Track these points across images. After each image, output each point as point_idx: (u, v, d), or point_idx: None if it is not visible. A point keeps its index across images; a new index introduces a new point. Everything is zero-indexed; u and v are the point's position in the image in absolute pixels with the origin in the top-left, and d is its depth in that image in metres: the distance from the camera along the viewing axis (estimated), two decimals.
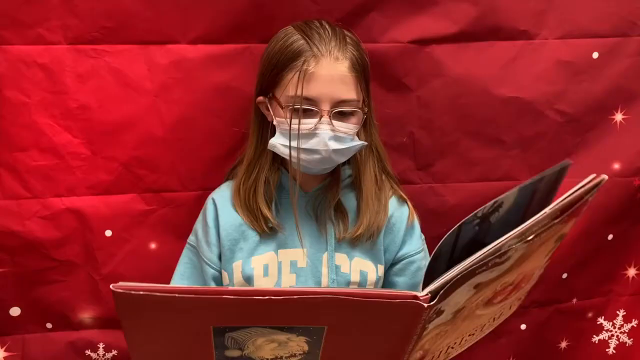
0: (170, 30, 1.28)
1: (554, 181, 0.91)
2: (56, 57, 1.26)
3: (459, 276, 0.78)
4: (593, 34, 1.37)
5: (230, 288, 0.80)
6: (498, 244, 0.79)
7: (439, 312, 0.82)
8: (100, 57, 1.27)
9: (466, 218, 0.83)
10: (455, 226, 0.83)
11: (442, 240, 0.82)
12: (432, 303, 0.78)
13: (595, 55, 1.38)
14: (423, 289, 0.79)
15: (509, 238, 0.79)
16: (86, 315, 1.36)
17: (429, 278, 0.80)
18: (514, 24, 1.35)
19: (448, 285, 0.78)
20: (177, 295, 0.75)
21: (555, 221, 0.83)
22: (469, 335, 0.97)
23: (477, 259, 0.78)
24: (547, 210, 0.81)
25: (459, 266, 0.79)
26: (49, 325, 1.36)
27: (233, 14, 1.28)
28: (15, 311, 1.35)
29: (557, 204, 0.82)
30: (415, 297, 0.78)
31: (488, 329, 1.01)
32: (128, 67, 1.28)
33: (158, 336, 0.83)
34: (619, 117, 1.41)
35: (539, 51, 1.36)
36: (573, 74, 1.38)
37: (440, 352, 0.94)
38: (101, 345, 1.38)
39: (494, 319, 1.00)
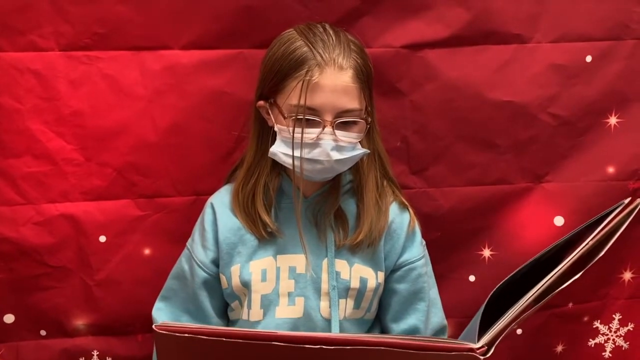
0: (162, 36, 1.28)
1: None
2: (49, 64, 1.26)
3: (511, 320, 0.77)
4: (586, 38, 1.36)
5: (280, 333, 0.77)
6: (545, 282, 0.79)
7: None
8: (92, 63, 1.27)
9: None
10: (515, 271, 0.84)
11: (499, 285, 0.82)
12: (487, 355, 0.76)
13: (588, 58, 1.37)
14: (479, 337, 0.77)
15: (555, 275, 0.80)
16: (80, 322, 1.36)
17: (484, 325, 0.78)
18: (507, 28, 1.35)
19: (503, 333, 0.77)
20: (224, 339, 0.74)
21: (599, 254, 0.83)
22: None
23: (528, 301, 0.78)
24: (588, 241, 0.82)
25: (510, 312, 0.77)
26: (43, 333, 1.36)
27: (225, 20, 1.28)
28: (9, 318, 1.35)
29: (597, 234, 0.83)
30: (472, 350, 0.76)
31: None
32: (121, 73, 1.28)
33: None
34: (613, 120, 1.41)
35: (533, 55, 1.36)
36: (567, 78, 1.37)
37: None
38: (95, 353, 1.37)
39: None
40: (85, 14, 1.25)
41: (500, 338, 0.76)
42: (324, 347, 0.73)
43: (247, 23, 1.28)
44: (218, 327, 0.72)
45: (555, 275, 0.78)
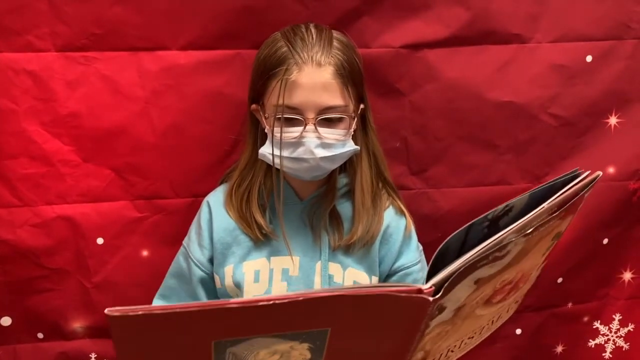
0: (160, 36, 1.27)
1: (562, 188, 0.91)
2: (45, 64, 1.25)
3: (461, 269, 0.79)
4: (587, 37, 1.36)
5: (233, 299, 0.78)
6: (499, 237, 0.80)
7: (441, 309, 0.82)
8: (90, 64, 1.26)
9: (476, 219, 0.86)
10: (465, 225, 0.84)
11: (449, 237, 0.83)
12: (436, 297, 0.78)
13: (589, 58, 1.37)
14: (427, 282, 0.79)
15: (510, 232, 0.81)
16: (78, 324, 1.35)
17: (432, 273, 0.80)
18: (507, 28, 1.34)
19: (451, 278, 0.78)
20: (178, 310, 0.73)
21: (553, 215, 0.84)
22: (469, 338, 0.97)
23: (479, 251, 0.79)
24: (545, 205, 0.84)
25: (461, 259, 0.79)
26: (40, 335, 1.36)
27: (223, 20, 1.27)
28: (6, 321, 1.34)
29: (555, 199, 0.85)
30: (420, 291, 0.77)
31: (487, 332, 1.01)
32: (118, 74, 1.28)
33: (156, 357, 0.80)
34: (613, 120, 1.41)
35: (533, 55, 1.35)
36: (567, 78, 1.37)
37: (441, 355, 0.93)
38: (93, 356, 1.38)
39: (492, 321, 1.00)
40: (82, 15, 1.24)
41: (448, 283, 0.78)
42: (277, 302, 0.74)
43: (245, 23, 1.27)
44: (171, 304, 0.73)
45: (509, 231, 0.81)
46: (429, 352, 0.89)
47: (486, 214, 0.87)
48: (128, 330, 0.75)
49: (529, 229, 0.82)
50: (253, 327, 0.78)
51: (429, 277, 0.80)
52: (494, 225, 0.88)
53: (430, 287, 0.78)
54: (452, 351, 0.95)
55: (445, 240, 0.82)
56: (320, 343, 0.82)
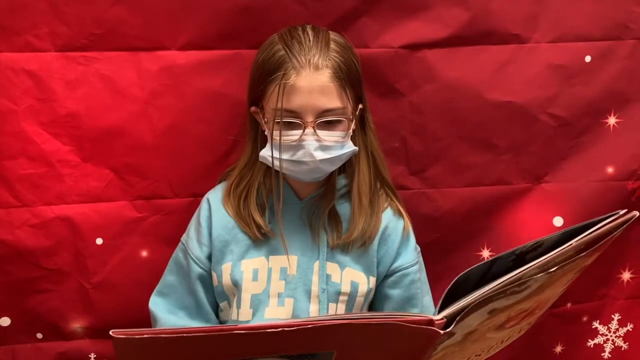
0: (159, 36, 1.27)
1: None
2: (45, 64, 1.25)
3: (476, 302, 0.77)
4: (586, 38, 1.36)
5: (240, 324, 0.79)
6: (519, 272, 0.78)
7: (451, 335, 0.80)
8: (89, 64, 1.26)
9: (503, 253, 0.84)
10: (491, 259, 0.83)
11: (471, 268, 0.81)
12: (447, 330, 0.76)
13: (588, 58, 1.37)
14: (439, 311, 0.78)
15: (532, 267, 0.78)
16: (77, 325, 1.35)
17: (447, 301, 0.78)
18: (506, 28, 1.34)
19: (465, 312, 0.77)
20: (184, 335, 0.72)
21: (581, 255, 0.81)
22: (476, 355, 0.95)
23: (497, 287, 0.77)
24: (573, 242, 0.80)
25: (478, 292, 0.77)
26: (39, 336, 1.35)
27: (223, 20, 1.27)
28: (5, 321, 1.34)
29: (584, 237, 0.81)
30: (431, 322, 0.76)
31: (495, 350, 0.99)
32: (118, 74, 1.27)
33: None
34: (612, 120, 1.41)
35: (532, 55, 1.35)
36: (566, 78, 1.37)
37: None
38: (92, 356, 1.37)
39: (502, 341, 0.98)
40: (82, 15, 1.23)
41: (461, 316, 0.76)
42: (285, 329, 0.73)
43: (245, 23, 1.27)
44: (178, 327, 0.71)
45: (531, 267, 0.78)
46: None
47: (514, 248, 0.84)
48: (132, 353, 0.75)
49: (552, 267, 0.79)
50: (259, 350, 0.78)
51: (442, 305, 0.78)
52: (521, 260, 0.85)
53: (442, 319, 0.76)
54: None
55: (466, 270, 0.80)
56: None
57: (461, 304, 0.77)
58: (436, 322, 0.76)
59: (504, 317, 0.86)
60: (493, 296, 0.77)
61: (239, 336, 0.73)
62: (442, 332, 0.76)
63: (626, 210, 0.84)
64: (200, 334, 0.73)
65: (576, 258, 0.81)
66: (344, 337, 0.78)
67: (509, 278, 0.77)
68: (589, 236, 0.81)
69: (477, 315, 0.80)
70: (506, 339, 0.98)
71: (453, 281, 0.80)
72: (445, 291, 0.79)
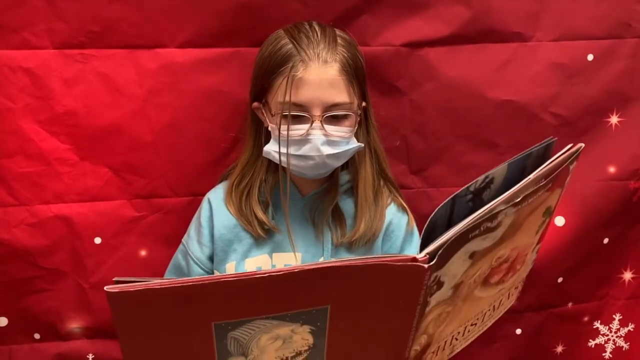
0: (158, 34, 1.26)
1: (541, 158, 0.95)
2: (42, 62, 1.24)
3: (454, 237, 0.80)
4: (587, 36, 1.36)
5: (230, 274, 0.80)
6: (489, 207, 0.82)
7: (439, 284, 0.83)
8: (87, 61, 1.26)
9: (458, 191, 0.87)
10: (448, 198, 0.86)
11: (435, 211, 0.84)
12: (431, 264, 0.78)
13: (590, 57, 1.36)
14: (420, 252, 0.80)
15: (499, 202, 0.83)
16: (75, 325, 1.34)
17: (424, 245, 0.81)
18: (507, 26, 1.33)
19: (445, 247, 0.79)
20: (176, 285, 0.73)
21: (540, 185, 0.87)
22: (471, 325, 0.97)
23: (470, 222, 0.81)
24: (531, 176, 0.86)
25: (453, 229, 0.81)
26: (36, 336, 1.35)
27: (222, 18, 1.26)
28: (2, 321, 1.33)
29: (541, 169, 0.88)
30: (415, 260, 0.78)
31: (489, 319, 1.01)
32: (116, 72, 1.27)
33: (157, 340, 0.80)
34: (614, 119, 1.40)
35: (533, 53, 1.35)
36: (567, 77, 1.36)
37: (445, 342, 0.94)
38: (90, 356, 1.36)
39: (493, 307, 1.00)
40: (80, 12, 1.23)
41: (442, 251, 0.79)
42: (272, 274, 0.75)
43: (244, 21, 1.26)
44: (169, 279, 0.74)
45: (499, 202, 0.83)
46: (432, 336, 0.89)
47: (467, 185, 0.88)
48: (128, 309, 0.75)
49: (517, 199, 0.84)
50: (251, 306, 0.78)
51: (422, 249, 0.81)
52: (478, 199, 0.90)
53: (425, 256, 0.79)
54: (456, 339, 0.96)
55: (432, 215, 0.83)
56: (321, 324, 0.82)
57: (439, 241, 0.80)
58: (419, 259, 0.79)
59: (486, 265, 0.89)
60: (468, 231, 0.81)
61: (229, 284, 0.74)
62: (426, 266, 0.79)
63: (572, 144, 0.93)
64: (192, 283, 0.74)
65: (537, 189, 0.87)
66: (334, 286, 0.79)
67: (480, 212, 0.81)
68: (545, 168, 0.88)
69: (459, 261, 0.83)
70: (497, 304, 1.00)
71: (424, 227, 0.83)
72: (421, 236, 0.82)
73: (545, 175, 0.88)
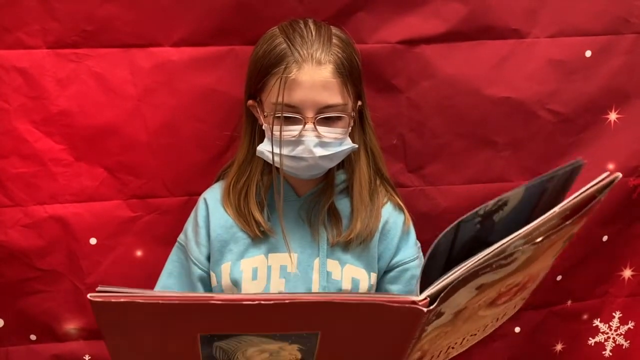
0: (152, 33, 1.25)
1: (564, 181, 0.86)
2: (36, 62, 1.24)
3: (460, 279, 0.75)
4: (585, 32, 1.35)
5: (218, 294, 0.78)
6: (503, 244, 0.75)
7: (439, 314, 0.79)
8: (81, 61, 1.25)
9: (465, 216, 0.80)
10: (453, 224, 0.79)
11: (438, 239, 0.78)
12: (431, 307, 0.75)
13: (588, 53, 1.35)
14: (421, 291, 0.76)
15: (515, 238, 0.76)
16: (71, 326, 1.34)
17: (425, 279, 0.77)
18: (505, 23, 1.33)
19: (448, 289, 0.75)
20: (160, 301, 0.72)
21: (567, 223, 0.79)
22: (471, 335, 0.95)
23: (480, 261, 0.74)
24: (556, 209, 0.77)
25: (459, 267, 0.75)
26: (33, 337, 1.34)
27: (217, 16, 1.25)
28: None
29: (567, 203, 0.78)
30: (414, 303, 0.75)
31: (491, 328, 0.99)
32: (110, 71, 1.26)
33: (142, 347, 0.80)
34: (613, 116, 1.39)
35: (531, 50, 1.34)
36: (566, 73, 1.36)
37: (440, 352, 0.91)
38: (87, 358, 1.36)
39: (497, 319, 0.97)
40: (73, 11, 1.22)
41: (445, 293, 0.74)
42: (262, 302, 0.72)
43: (239, 19, 1.26)
44: (156, 291, 0.71)
45: (515, 238, 0.76)
46: (427, 350, 0.87)
47: (476, 209, 0.81)
48: (111, 316, 0.74)
49: (537, 237, 0.77)
50: (238, 325, 0.77)
51: (422, 284, 0.76)
52: (488, 220, 0.83)
53: (425, 299, 0.75)
54: (452, 348, 0.93)
55: (434, 243, 0.78)
56: (310, 345, 0.80)
57: (443, 282, 0.75)
58: (419, 302, 0.75)
59: (494, 292, 0.84)
60: (478, 271, 0.75)
61: (215, 307, 0.72)
62: (425, 310, 0.75)
63: (608, 173, 0.82)
64: (177, 301, 0.72)
65: (562, 226, 0.78)
66: (327, 317, 0.77)
67: (492, 251, 0.75)
68: (572, 202, 0.78)
69: (465, 292, 0.78)
70: (501, 316, 0.96)
71: (425, 258, 0.77)
72: (421, 269, 0.77)
73: (572, 208, 0.78)
